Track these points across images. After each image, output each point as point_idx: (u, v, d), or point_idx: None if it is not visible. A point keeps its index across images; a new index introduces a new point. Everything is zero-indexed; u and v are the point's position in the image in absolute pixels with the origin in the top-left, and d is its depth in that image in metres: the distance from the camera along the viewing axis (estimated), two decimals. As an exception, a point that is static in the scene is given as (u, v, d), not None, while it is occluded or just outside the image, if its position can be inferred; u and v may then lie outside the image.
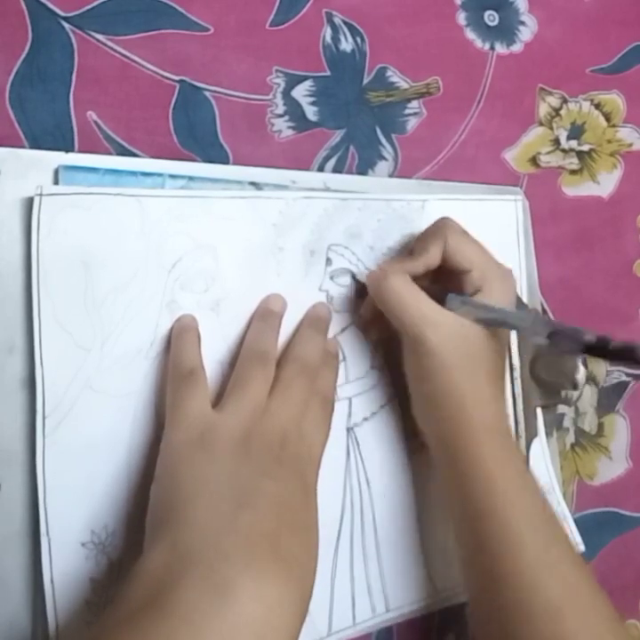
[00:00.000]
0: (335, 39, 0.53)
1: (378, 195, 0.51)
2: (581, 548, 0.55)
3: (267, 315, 0.45)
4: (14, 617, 0.39)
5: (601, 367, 0.62)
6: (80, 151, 0.45)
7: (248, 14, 0.50)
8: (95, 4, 0.46)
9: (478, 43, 0.58)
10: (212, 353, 0.44)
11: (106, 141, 0.45)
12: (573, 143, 0.62)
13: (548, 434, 0.57)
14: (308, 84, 0.52)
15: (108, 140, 0.46)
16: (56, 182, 0.42)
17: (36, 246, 0.40)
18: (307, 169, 0.51)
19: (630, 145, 0.65)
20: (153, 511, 0.37)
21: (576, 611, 0.40)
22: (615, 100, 0.64)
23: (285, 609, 0.32)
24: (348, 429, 0.49)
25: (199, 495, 0.35)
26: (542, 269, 0.59)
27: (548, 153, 0.61)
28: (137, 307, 0.42)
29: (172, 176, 0.45)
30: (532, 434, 0.55)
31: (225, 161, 0.49)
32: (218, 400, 0.41)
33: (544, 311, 0.59)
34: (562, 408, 0.60)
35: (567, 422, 0.60)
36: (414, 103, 0.56)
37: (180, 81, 0.48)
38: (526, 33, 0.60)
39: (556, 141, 0.61)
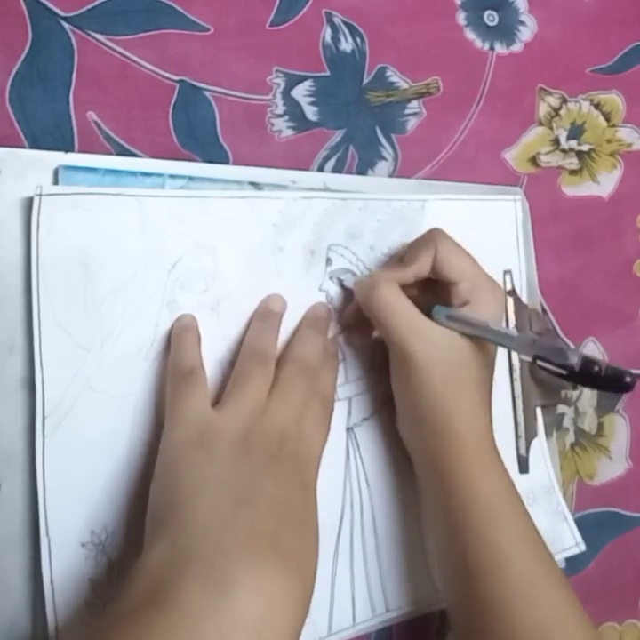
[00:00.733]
0: (335, 39, 0.53)
1: (378, 195, 0.51)
2: (582, 547, 0.55)
3: (267, 314, 0.45)
4: (14, 617, 0.39)
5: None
6: (80, 151, 0.45)
7: (248, 14, 0.50)
8: (95, 3, 0.46)
9: (478, 43, 0.58)
10: (212, 352, 0.44)
11: (106, 141, 0.45)
12: (573, 143, 0.62)
13: (548, 434, 0.57)
14: (307, 83, 0.52)
15: (108, 140, 0.46)
16: (56, 182, 0.42)
17: (35, 246, 0.40)
18: (306, 169, 0.51)
19: (630, 145, 0.65)
20: (152, 510, 0.37)
21: (565, 630, 0.40)
22: (615, 99, 0.64)
23: (286, 606, 0.32)
24: (348, 429, 0.49)
25: (199, 494, 0.36)
26: (542, 269, 0.59)
27: (548, 153, 0.61)
28: (137, 307, 0.42)
29: (172, 176, 0.45)
30: (531, 434, 0.55)
31: (225, 161, 0.49)
32: (218, 399, 0.41)
33: (544, 311, 0.59)
34: (562, 408, 0.60)
35: (567, 422, 0.60)
36: (414, 103, 0.56)
37: (180, 81, 0.48)
38: (526, 33, 0.60)
39: (556, 141, 0.61)
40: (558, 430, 0.59)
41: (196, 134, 0.48)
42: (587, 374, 0.38)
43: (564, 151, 0.62)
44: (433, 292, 0.47)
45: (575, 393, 0.61)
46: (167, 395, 0.41)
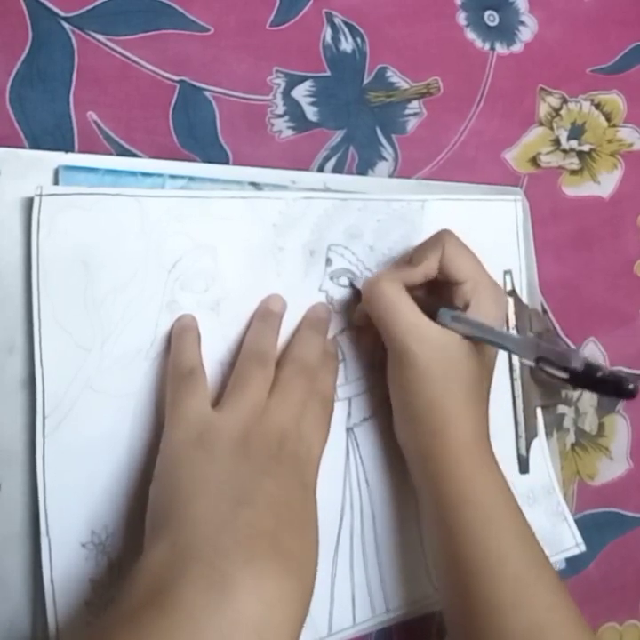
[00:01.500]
0: (335, 39, 0.53)
1: (378, 195, 0.51)
2: (582, 548, 0.55)
3: (266, 315, 0.45)
4: (14, 617, 0.39)
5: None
6: (80, 151, 0.45)
7: (248, 14, 0.50)
8: (95, 4, 0.46)
9: (478, 43, 0.58)
10: (212, 353, 0.44)
11: (106, 141, 0.46)
12: (574, 143, 0.62)
13: (549, 434, 0.57)
14: (308, 84, 0.52)
15: (108, 141, 0.46)
16: (56, 182, 0.42)
17: (35, 246, 0.40)
18: (306, 169, 0.51)
19: (631, 145, 0.65)
20: (152, 510, 0.37)
21: (559, 630, 0.40)
22: (615, 99, 0.64)
23: (285, 606, 0.33)
24: (348, 429, 0.49)
25: (199, 494, 0.36)
26: (542, 269, 0.59)
27: (549, 153, 0.61)
28: (137, 307, 0.42)
29: (172, 176, 0.45)
30: (532, 434, 0.55)
31: (225, 161, 0.49)
32: (218, 400, 0.41)
33: (544, 311, 0.59)
34: (562, 408, 0.60)
35: (567, 422, 0.60)
36: (414, 103, 0.56)
37: (180, 81, 0.48)
38: (526, 33, 0.60)
39: (557, 141, 0.61)
40: (559, 430, 0.59)
41: (196, 134, 0.48)
42: (589, 379, 0.38)
43: (564, 151, 0.62)
44: (437, 293, 0.47)
45: (576, 393, 0.61)
46: (167, 395, 0.41)
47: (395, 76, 0.55)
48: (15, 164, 0.41)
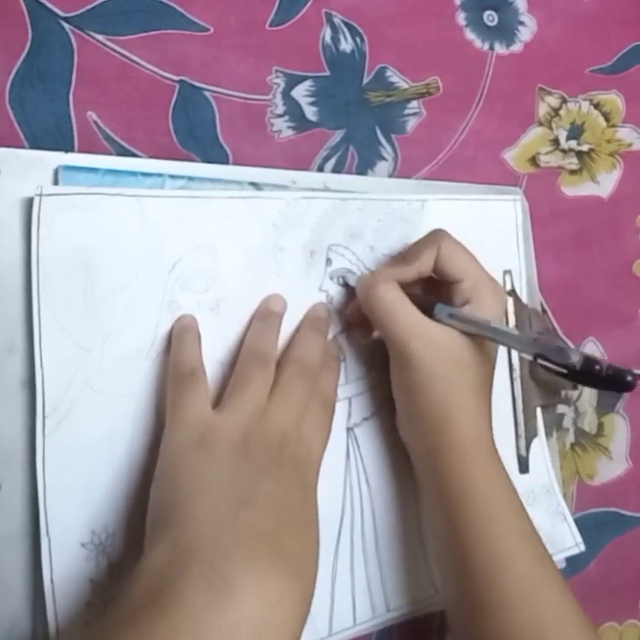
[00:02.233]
0: (335, 39, 0.53)
1: (378, 195, 0.51)
2: (582, 548, 0.55)
3: (267, 315, 0.45)
4: (14, 617, 0.39)
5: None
6: (80, 151, 0.45)
7: (248, 14, 0.50)
8: (95, 4, 0.46)
9: (478, 43, 0.58)
10: (212, 353, 0.44)
11: (105, 141, 0.45)
12: (573, 143, 0.62)
13: (548, 434, 0.57)
14: (307, 84, 0.52)
15: (108, 140, 0.46)
16: (56, 182, 0.42)
17: (35, 246, 0.40)
18: (306, 169, 0.51)
19: (630, 145, 0.65)
20: (153, 511, 0.37)
21: (564, 630, 0.40)
22: (614, 99, 0.64)
23: (285, 607, 0.32)
24: (348, 429, 0.49)
25: (199, 495, 0.35)
26: (542, 269, 0.59)
27: (548, 153, 0.61)
28: (137, 307, 0.42)
29: (172, 176, 0.45)
30: (531, 434, 0.55)
31: (225, 161, 0.49)
32: (218, 400, 0.41)
33: (543, 311, 0.60)
34: (561, 408, 0.60)
35: (567, 422, 0.60)
36: (414, 103, 0.56)
37: (180, 81, 0.48)
38: (526, 33, 0.60)
39: (556, 141, 0.61)
40: (558, 430, 0.59)
41: (195, 134, 0.48)
42: (588, 373, 0.38)
43: (563, 151, 0.62)
44: (434, 291, 0.47)
45: (575, 393, 0.61)
46: (168, 396, 0.41)
47: (394, 76, 0.55)
48: (15, 164, 0.41)
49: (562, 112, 0.61)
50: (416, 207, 0.52)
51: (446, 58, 0.57)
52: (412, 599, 0.49)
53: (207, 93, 0.49)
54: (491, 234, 0.55)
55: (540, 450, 0.56)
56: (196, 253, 0.44)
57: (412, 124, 0.55)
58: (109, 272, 0.42)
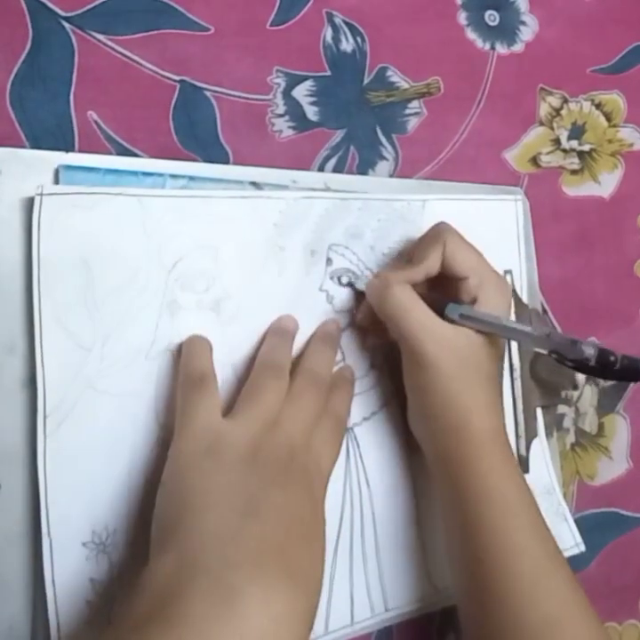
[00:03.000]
0: (336, 39, 0.53)
1: (378, 195, 0.51)
2: (582, 548, 0.55)
3: (280, 331, 0.46)
4: (15, 616, 0.39)
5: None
6: (80, 151, 0.45)
7: (248, 14, 0.50)
8: (95, 3, 0.46)
9: (479, 43, 0.58)
10: (214, 354, 0.44)
11: (106, 141, 0.45)
12: (574, 143, 0.62)
13: (549, 434, 0.57)
14: (308, 83, 0.52)
15: (109, 140, 0.46)
16: (56, 182, 0.42)
17: (36, 246, 0.40)
18: (307, 169, 0.51)
19: (631, 145, 0.65)
20: (159, 519, 0.37)
21: (575, 623, 0.41)
22: (616, 99, 0.64)
23: (292, 620, 0.32)
24: (348, 429, 0.49)
25: (207, 505, 0.35)
26: (543, 269, 0.59)
27: (549, 153, 0.61)
28: (138, 306, 0.42)
29: (173, 176, 0.45)
30: (532, 434, 0.55)
31: (225, 161, 0.49)
32: (224, 406, 0.41)
33: (544, 311, 0.59)
34: (562, 408, 0.60)
35: (567, 422, 0.60)
36: (415, 103, 0.56)
37: (181, 81, 0.48)
38: (527, 33, 0.60)
39: (557, 141, 0.61)
40: (559, 430, 0.59)
41: (196, 134, 0.48)
42: (603, 366, 0.38)
43: (564, 151, 0.62)
44: (440, 288, 0.47)
45: (575, 393, 0.61)
46: (177, 401, 0.41)
47: (395, 76, 0.55)
48: (16, 164, 0.41)
49: (563, 112, 0.61)
50: (416, 207, 0.52)
51: (447, 58, 0.57)
52: (412, 599, 0.49)
53: (208, 93, 0.49)
54: (491, 234, 0.55)
55: (541, 450, 0.56)
56: (197, 253, 0.44)
57: (412, 123, 0.55)
58: (110, 271, 0.42)
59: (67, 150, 0.43)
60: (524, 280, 0.57)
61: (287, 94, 0.51)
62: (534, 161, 0.60)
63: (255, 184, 0.48)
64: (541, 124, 0.61)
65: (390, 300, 0.44)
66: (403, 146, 0.55)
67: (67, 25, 0.45)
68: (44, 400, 0.39)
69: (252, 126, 0.50)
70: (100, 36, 0.46)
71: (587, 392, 0.61)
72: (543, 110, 0.61)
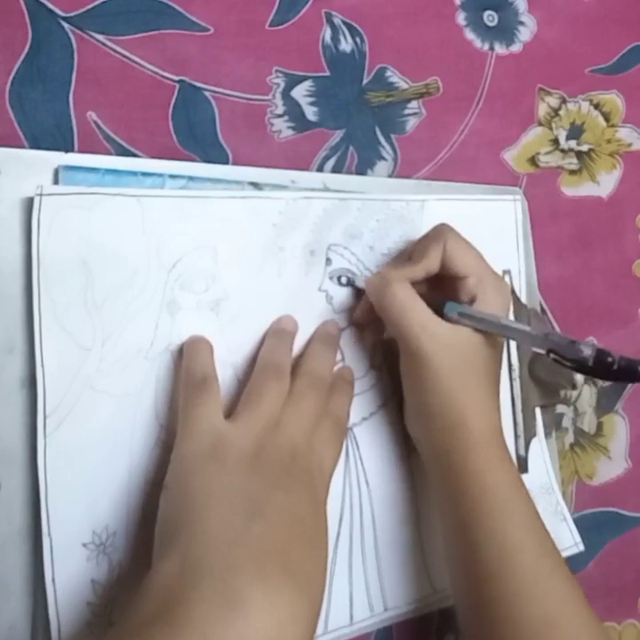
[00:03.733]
0: (335, 39, 0.53)
1: (377, 195, 0.51)
2: (581, 547, 0.55)
3: (279, 332, 0.46)
4: (15, 617, 0.39)
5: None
6: (80, 151, 0.45)
7: (248, 14, 0.50)
8: (95, 4, 0.46)
9: (478, 43, 0.58)
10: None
11: (106, 141, 0.45)
12: (573, 143, 0.62)
13: (547, 434, 0.57)
14: (307, 84, 0.52)
15: (108, 140, 0.46)
16: (56, 182, 0.42)
17: (36, 246, 0.40)
18: (306, 169, 0.51)
19: (630, 145, 0.65)
20: (163, 521, 0.37)
21: (571, 623, 0.41)
22: (614, 99, 0.64)
23: (296, 623, 0.32)
24: (348, 429, 0.49)
25: (210, 507, 0.35)
26: (541, 269, 0.59)
27: (548, 153, 0.61)
28: (137, 307, 0.42)
29: (172, 176, 0.45)
30: (530, 434, 0.55)
31: (225, 161, 0.49)
32: (225, 406, 0.41)
33: (543, 311, 0.60)
34: (561, 408, 0.60)
35: (566, 422, 0.60)
36: (414, 103, 0.56)
37: (180, 81, 0.48)
38: (526, 33, 0.60)
39: (556, 141, 0.61)
40: (557, 430, 0.59)
41: (196, 134, 0.48)
42: (600, 366, 0.38)
43: (563, 151, 0.62)
44: (439, 287, 0.47)
45: (574, 393, 0.61)
46: (180, 403, 0.41)
47: (394, 76, 0.55)
48: (15, 164, 0.41)
49: (562, 112, 0.62)
50: (415, 207, 0.52)
51: (446, 58, 0.57)
52: (411, 599, 0.49)
53: (207, 93, 0.49)
54: (490, 234, 0.55)
55: (540, 450, 0.56)
56: (196, 253, 0.44)
57: (411, 124, 0.55)
58: (110, 272, 0.42)
59: (66, 150, 0.43)
60: (522, 280, 0.57)
61: (286, 94, 0.51)
62: (533, 161, 0.60)
63: (254, 184, 0.48)
64: (540, 124, 0.61)
65: (389, 298, 0.44)
66: (402, 146, 0.55)
67: (66, 25, 0.45)
68: (43, 400, 0.39)
69: (251, 126, 0.50)
70: (100, 37, 0.46)
71: (585, 392, 0.61)
72: (542, 110, 0.61)
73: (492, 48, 0.59)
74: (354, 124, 0.53)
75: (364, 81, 0.54)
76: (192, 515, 0.35)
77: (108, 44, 0.46)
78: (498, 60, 0.59)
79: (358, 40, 0.54)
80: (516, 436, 0.55)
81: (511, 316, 0.55)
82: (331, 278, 0.49)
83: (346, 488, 0.48)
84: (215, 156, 0.49)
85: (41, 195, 0.40)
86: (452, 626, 0.53)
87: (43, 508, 0.39)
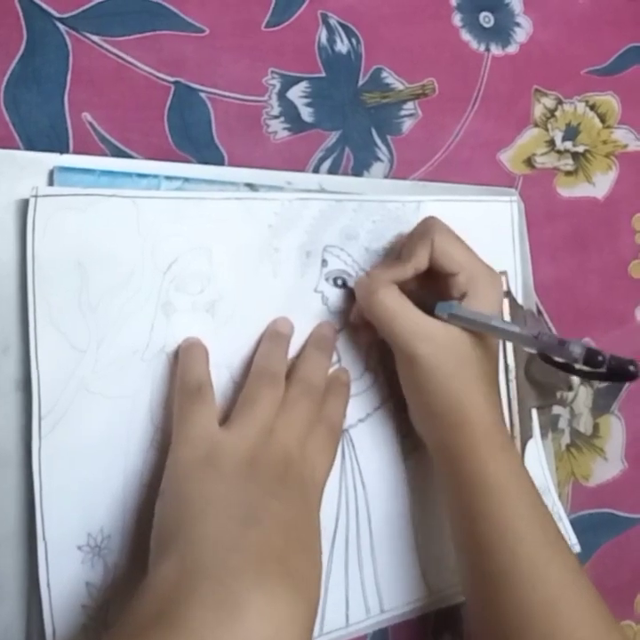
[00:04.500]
0: (331, 40, 0.53)
1: (373, 196, 0.51)
2: (577, 548, 0.55)
3: (275, 336, 0.45)
4: (9, 620, 0.39)
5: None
6: (75, 152, 0.44)
7: (243, 15, 0.50)
8: (90, 5, 0.46)
9: (474, 44, 0.58)
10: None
11: (101, 143, 0.45)
12: (568, 144, 0.62)
13: (544, 435, 0.57)
14: (303, 85, 0.52)
15: (103, 142, 0.45)
16: (51, 184, 0.42)
17: (31, 248, 0.40)
18: (302, 170, 0.51)
19: (625, 146, 0.65)
20: (159, 527, 0.37)
21: (573, 606, 0.41)
22: (610, 101, 0.64)
23: (294, 626, 0.32)
24: (344, 431, 0.49)
25: (206, 512, 0.35)
26: (537, 270, 0.59)
27: (543, 154, 0.61)
28: (132, 308, 0.42)
29: (168, 177, 0.45)
30: (527, 435, 0.55)
31: (220, 162, 0.49)
32: (220, 410, 0.41)
33: (539, 312, 0.60)
34: (557, 409, 0.60)
35: (562, 423, 0.60)
36: (410, 104, 0.56)
37: (176, 82, 0.48)
38: (521, 34, 0.60)
39: (551, 142, 0.61)
40: (554, 431, 0.59)
41: (191, 135, 0.48)
42: (590, 366, 0.38)
43: (559, 152, 0.62)
44: (430, 284, 0.47)
45: (570, 394, 0.61)
46: (174, 410, 0.41)
47: (390, 77, 0.55)
48: (10, 166, 0.41)
49: (557, 113, 0.62)
50: (411, 208, 0.52)
51: (442, 59, 0.57)
52: (407, 600, 0.49)
53: (203, 94, 0.49)
54: (486, 235, 0.55)
55: (536, 451, 0.56)
56: (192, 254, 0.44)
57: (407, 125, 0.55)
58: (105, 273, 0.42)
59: (61, 152, 0.43)
60: (518, 281, 0.57)
61: (282, 95, 0.51)
62: (529, 162, 0.60)
63: (250, 185, 0.47)
64: (536, 125, 0.61)
65: (377, 306, 0.44)
66: (398, 147, 0.55)
67: (61, 26, 0.45)
68: (38, 402, 0.39)
69: (246, 127, 0.50)
70: (95, 38, 0.46)
71: (582, 393, 0.61)
72: (538, 111, 0.61)
73: (487, 49, 0.59)
74: (350, 125, 0.53)
75: (360, 82, 0.54)
76: (189, 520, 0.35)
77: (104, 45, 0.46)
78: (494, 62, 0.59)
79: (354, 41, 0.54)
80: (513, 437, 0.55)
81: (506, 315, 0.55)
82: (326, 279, 0.49)
83: (342, 489, 0.48)
84: (211, 157, 0.49)
85: (36, 196, 0.40)
86: (449, 626, 0.53)
87: (37, 510, 0.39)
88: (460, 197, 0.54)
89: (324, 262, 0.49)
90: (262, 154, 0.50)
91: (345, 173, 0.53)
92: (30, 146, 0.43)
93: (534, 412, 0.56)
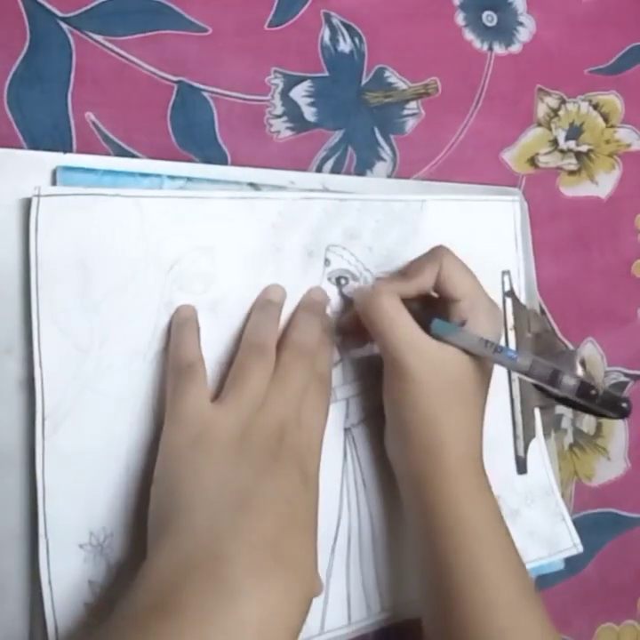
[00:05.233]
0: (334, 40, 0.53)
1: (376, 195, 0.51)
2: (580, 548, 0.55)
3: (266, 305, 0.45)
4: (12, 619, 0.39)
5: (599, 368, 0.62)
6: (78, 152, 0.44)
7: (246, 15, 0.50)
8: (93, 4, 0.46)
9: (477, 43, 0.58)
10: (211, 354, 0.43)
11: (104, 142, 0.45)
12: (572, 144, 0.62)
13: (547, 435, 0.57)
14: (306, 84, 0.52)
15: (106, 141, 0.46)
16: (54, 183, 0.42)
17: (34, 247, 0.40)
18: (305, 170, 0.51)
19: (629, 145, 0.65)
20: (154, 514, 0.37)
21: None
22: (613, 100, 0.64)
23: (288, 607, 0.33)
24: (346, 430, 0.49)
25: (199, 499, 0.36)
26: (540, 270, 0.59)
27: (547, 153, 0.61)
28: (135, 308, 0.42)
29: (171, 177, 0.45)
30: (530, 435, 0.55)
31: (223, 162, 0.49)
32: (217, 395, 0.41)
33: (542, 312, 0.60)
34: (560, 409, 0.60)
35: (565, 423, 0.60)
36: (413, 104, 0.56)
37: (179, 81, 0.48)
38: (525, 33, 0.60)
39: (555, 142, 0.61)
40: (557, 431, 0.59)
41: (194, 135, 0.48)
42: (584, 399, 0.39)
43: (562, 152, 0.62)
44: (432, 307, 0.47)
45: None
46: (167, 390, 0.41)
47: (393, 77, 0.55)
48: (13, 165, 0.41)
49: (561, 113, 0.62)
50: (415, 208, 0.52)
51: (445, 58, 0.57)
52: (409, 599, 0.49)
53: (206, 94, 0.49)
54: (489, 234, 0.55)
55: (539, 450, 0.56)
56: (195, 254, 0.44)
57: (410, 124, 0.55)
58: (107, 273, 0.42)
59: (64, 151, 0.43)
60: (522, 280, 0.56)
61: (285, 95, 0.51)
62: (532, 161, 0.60)
63: (253, 185, 0.47)
64: (539, 124, 0.61)
65: (375, 309, 0.43)
66: (401, 146, 0.55)
67: (64, 25, 0.45)
68: (42, 402, 0.39)
69: (249, 127, 0.50)
70: (98, 37, 0.46)
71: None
72: (541, 111, 0.61)
73: (491, 48, 0.59)
74: (353, 124, 0.53)
75: (363, 81, 0.54)
76: (182, 508, 0.36)
77: (107, 44, 0.46)
78: (497, 61, 0.59)
79: (357, 40, 0.54)
80: (515, 437, 0.55)
81: (509, 321, 0.54)
82: (329, 279, 0.49)
83: (344, 489, 0.48)
84: (214, 156, 0.49)
85: (39, 196, 0.40)
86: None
87: (40, 509, 0.39)
88: (464, 197, 0.54)
89: (327, 262, 0.49)
90: (265, 153, 0.50)
91: (348, 173, 0.53)
92: (33, 145, 0.43)
93: (537, 412, 0.56)
